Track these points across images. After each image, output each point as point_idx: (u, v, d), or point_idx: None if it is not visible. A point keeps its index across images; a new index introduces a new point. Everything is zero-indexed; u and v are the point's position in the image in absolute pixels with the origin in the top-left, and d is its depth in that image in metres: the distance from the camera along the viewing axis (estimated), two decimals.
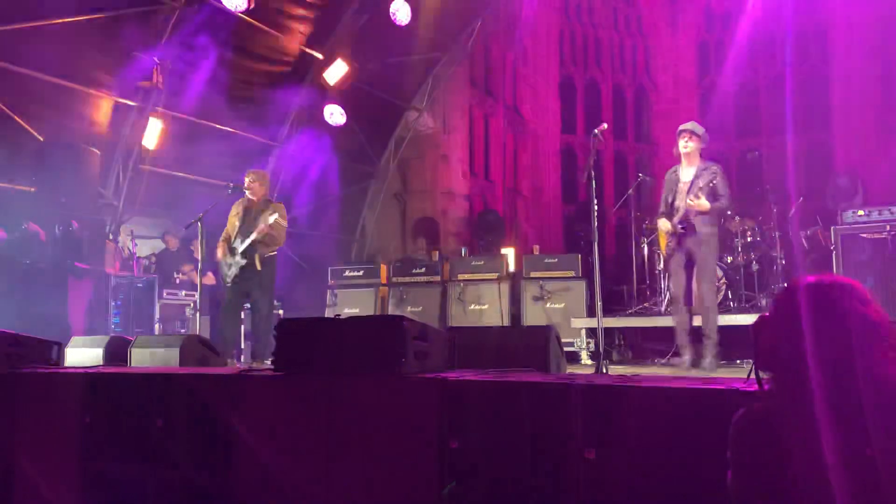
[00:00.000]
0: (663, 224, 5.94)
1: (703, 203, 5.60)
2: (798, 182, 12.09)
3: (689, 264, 5.79)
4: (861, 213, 6.88)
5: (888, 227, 6.72)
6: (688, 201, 5.68)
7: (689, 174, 5.86)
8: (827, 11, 14.94)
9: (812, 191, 11.25)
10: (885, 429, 1.50)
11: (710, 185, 5.66)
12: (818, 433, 1.54)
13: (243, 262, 6.48)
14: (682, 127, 6.04)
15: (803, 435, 1.56)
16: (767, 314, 1.77)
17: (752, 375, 1.80)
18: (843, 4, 14.23)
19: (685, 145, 5.91)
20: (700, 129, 5.96)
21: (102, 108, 8.53)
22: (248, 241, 6.46)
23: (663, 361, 6.79)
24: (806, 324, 1.65)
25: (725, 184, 5.75)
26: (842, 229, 7.05)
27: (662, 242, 6.11)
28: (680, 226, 5.71)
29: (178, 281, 8.98)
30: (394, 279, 9.33)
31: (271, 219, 6.36)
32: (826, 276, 1.75)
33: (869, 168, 11.79)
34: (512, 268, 9.19)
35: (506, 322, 8.41)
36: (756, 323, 1.80)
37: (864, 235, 6.72)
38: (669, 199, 5.93)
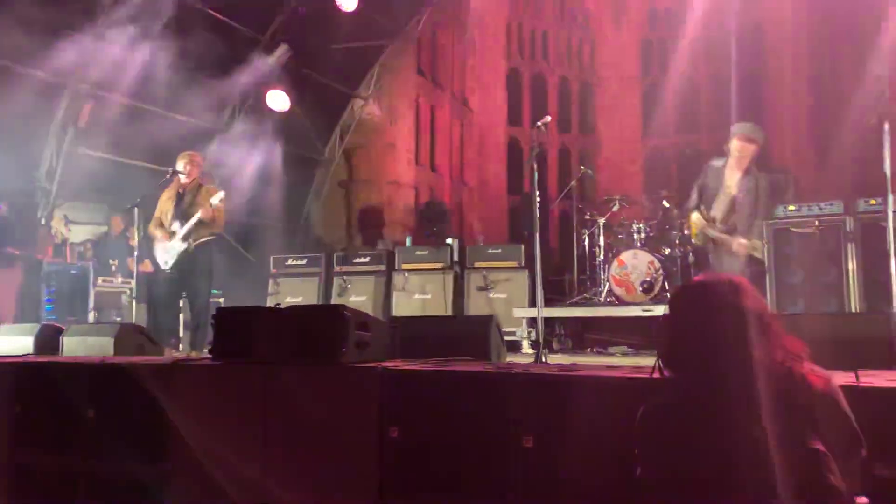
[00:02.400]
0: (697, 220, 5.85)
1: (754, 244, 5.58)
2: None
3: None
4: (792, 208, 7.10)
5: (817, 223, 6.97)
6: (739, 242, 5.57)
7: (735, 179, 5.71)
8: (761, 11, 15.40)
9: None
10: (772, 410, 1.62)
11: (755, 193, 5.60)
12: (714, 421, 1.66)
13: (183, 246, 6.31)
14: (739, 129, 5.84)
15: (700, 423, 1.68)
16: (667, 312, 1.91)
17: (656, 368, 1.91)
18: (775, 5, 14.70)
19: (740, 149, 5.74)
20: (760, 134, 5.82)
21: (35, 88, 8.20)
22: (190, 223, 6.27)
23: None
24: (695, 319, 1.81)
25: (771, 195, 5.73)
26: (773, 223, 7.29)
27: (694, 230, 5.95)
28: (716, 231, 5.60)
29: (113, 268, 8.73)
30: (337, 268, 9.27)
31: (215, 199, 6.23)
32: (711, 273, 1.90)
33: (800, 164, 12.22)
34: (457, 258, 9.22)
35: (449, 312, 8.45)
36: (659, 321, 1.94)
37: (795, 230, 6.94)
38: (706, 193, 5.77)
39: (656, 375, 1.89)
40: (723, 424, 1.66)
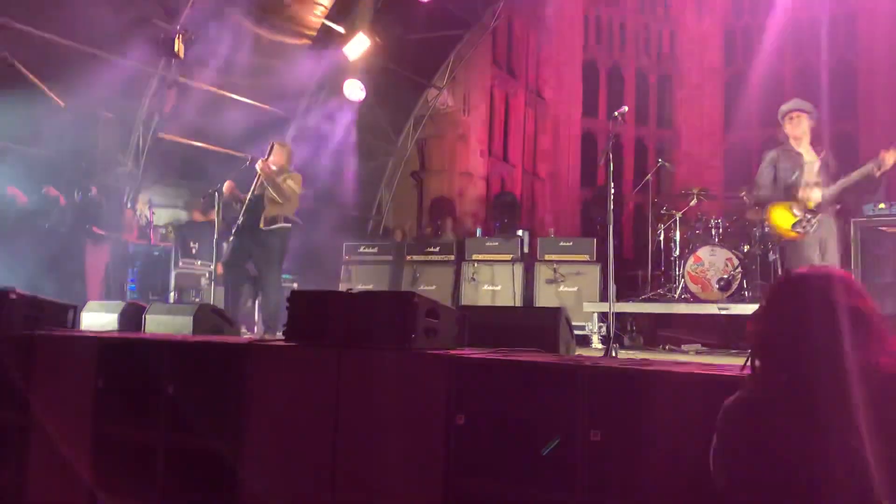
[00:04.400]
0: (800, 198, 5.40)
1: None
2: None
3: (821, 250, 5.32)
4: (882, 206, 6.77)
5: None
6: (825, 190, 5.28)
7: (812, 156, 5.47)
8: (855, 1, 14.66)
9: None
10: (873, 419, 1.51)
11: (828, 165, 5.36)
12: (804, 423, 1.55)
13: (243, 219, 6.38)
14: (789, 107, 5.58)
15: (789, 424, 1.58)
16: (762, 305, 1.79)
17: (748, 364, 1.81)
18: None
19: (793, 127, 5.51)
20: (795, 106, 5.54)
21: (124, 76, 8.55)
22: (253, 188, 6.40)
23: None
24: (796, 314, 1.68)
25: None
26: (861, 222, 6.96)
27: (782, 222, 5.48)
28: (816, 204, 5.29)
29: (194, 251, 9.04)
30: (408, 257, 9.34)
31: (279, 178, 6.38)
32: (818, 267, 1.76)
33: None
34: (526, 250, 9.16)
35: (518, 304, 8.41)
36: (753, 313, 1.82)
37: (884, 229, 6.62)
38: (788, 177, 5.45)
39: (747, 371, 1.79)
40: (815, 430, 1.54)
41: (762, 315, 1.77)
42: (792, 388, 1.61)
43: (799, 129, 5.52)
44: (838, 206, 5.51)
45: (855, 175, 5.29)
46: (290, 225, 6.66)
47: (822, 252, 5.36)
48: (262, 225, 6.42)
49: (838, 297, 1.64)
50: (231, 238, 6.47)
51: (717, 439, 1.74)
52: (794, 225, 5.39)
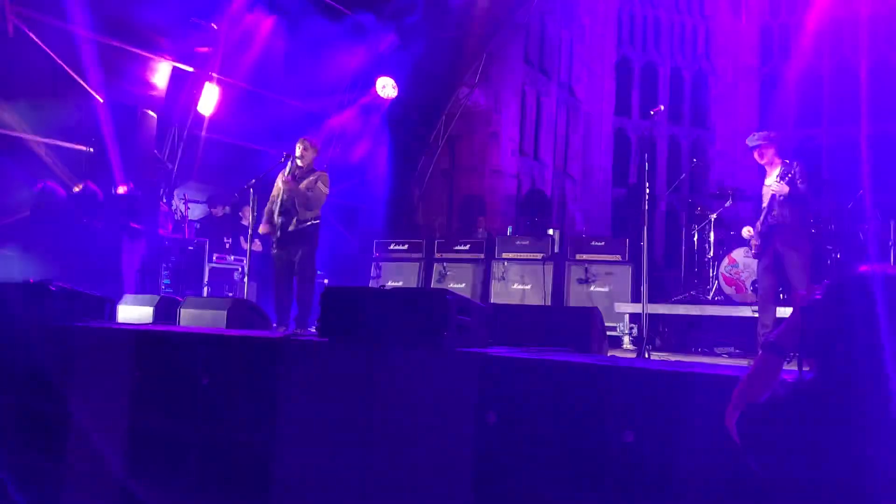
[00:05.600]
0: (745, 231, 6.07)
1: (783, 186, 5.58)
2: (859, 174, 11.70)
3: (776, 265, 5.73)
4: None
5: None
6: (772, 186, 5.71)
7: (773, 175, 5.87)
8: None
9: (876, 183, 10.85)
10: None
11: (790, 175, 5.65)
12: (862, 423, 1.51)
13: (280, 220, 6.52)
14: (748, 143, 6.04)
15: (844, 423, 1.54)
16: (817, 297, 1.73)
17: (796, 361, 1.77)
18: None
19: (759, 157, 5.94)
20: (756, 139, 5.95)
21: (161, 73, 8.68)
22: (280, 200, 6.51)
23: None
24: (857, 313, 1.61)
25: (805, 175, 5.72)
26: None
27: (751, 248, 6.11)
28: (768, 222, 5.72)
29: (227, 246, 9.15)
30: (438, 254, 9.35)
31: (304, 182, 6.46)
32: (885, 265, 1.69)
33: None
34: (557, 249, 9.11)
35: (548, 303, 8.37)
36: (804, 307, 1.75)
37: None
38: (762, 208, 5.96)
39: (792, 372, 1.74)
40: (871, 437, 1.51)
41: (817, 310, 1.71)
42: (851, 389, 1.56)
43: (764, 159, 5.94)
44: (786, 220, 5.67)
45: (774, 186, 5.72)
46: (318, 221, 6.72)
47: (779, 266, 5.72)
48: (293, 227, 6.50)
49: (889, 296, 1.58)
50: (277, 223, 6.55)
51: (761, 425, 1.69)
52: (750, 248, 6.00)
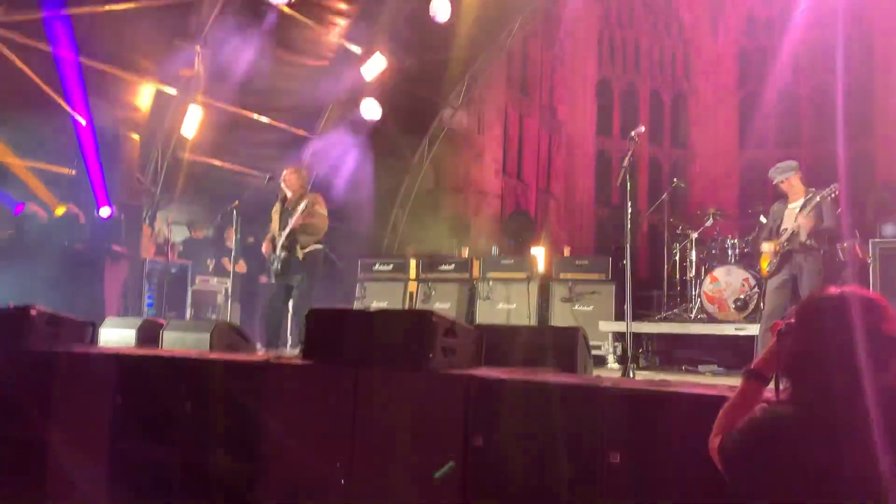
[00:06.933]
0: (767, 246, 6.05)
1: (809, 220, 5.69)
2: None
3: (792, 285, 5.85)
4: None
5: None
6: (798, 220, 5.79)
7: (798, 202, 5.97)
8: (871, 21, 14.64)
9: (851, 203, 11.00)
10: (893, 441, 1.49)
11: (817, 208, 5.75)
12: (829, 446, 1.53)
13: (283, 254, 6.46)
14: (771, 177, 6.15)
15: (813, 445, 1.55)
16: (792, 321, 1.76)
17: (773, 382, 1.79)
18: (887, 15, 13.94)
19: (784, 189, 6.05)
20: (780, 173, 6.06)
21: (144, 95, 8.67)
22: (285, 232, 6.44)
23: None
24: (826, 334, 1.65)
25: (833, 208, 5.81)
26: (880, 243, 6.90)
27: (763, 264, 6.15)
28: (786, 244, 5.83)
29: (210, 268, 9.10)
30: (422, 275, 9.34)
31: (300, 207, 6.39)
32: (850, 288, 1.72)
33: None
34: (541, 268, 9.13)
35: (533, 322, 8.38)
36: (780, 330, 1.78)
37: None
38: (775, 226, 6.05)
39: (771, 392, 1.76)
40: (842, 456, 1.52)
41: (791, 334, 1.74)
42: (819, 411, 1.59)
43: (790, 190, 6.05)
44: (811, 243, 5.78)
45: (808, 208, 5.80)
46: (321, 246, 6.67)
47: (793, 288, 5.83)
48: (299, 254, 6.44)
49: (868, 319, 1.61)
50: (279, 255, 6.50)
51: (739, 440, 1.70)
52: (766, 266, 6.03)
